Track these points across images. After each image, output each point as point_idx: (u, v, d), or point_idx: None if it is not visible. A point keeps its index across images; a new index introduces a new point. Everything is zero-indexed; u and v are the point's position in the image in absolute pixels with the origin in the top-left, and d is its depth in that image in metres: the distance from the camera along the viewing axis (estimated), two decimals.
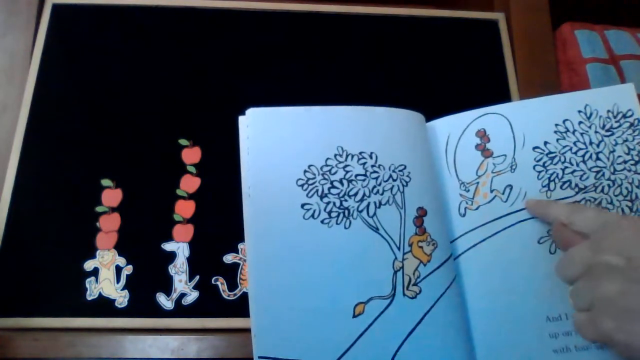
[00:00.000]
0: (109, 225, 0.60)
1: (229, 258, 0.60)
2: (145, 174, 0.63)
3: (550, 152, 0.54)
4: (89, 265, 0.58)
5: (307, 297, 0.48)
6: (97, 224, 0.60)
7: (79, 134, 0.64)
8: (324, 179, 0.51)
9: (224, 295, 0.58)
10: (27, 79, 0.65)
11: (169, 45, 0.69)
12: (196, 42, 0.70)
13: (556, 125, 0.55)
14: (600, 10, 0.86)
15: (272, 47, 0.71)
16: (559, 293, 0.49)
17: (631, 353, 0.38)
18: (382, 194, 0.51)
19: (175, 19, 0.70)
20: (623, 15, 0.90)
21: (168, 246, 0.60)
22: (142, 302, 0.58)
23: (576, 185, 0.53)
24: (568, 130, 0.55)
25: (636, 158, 0.54)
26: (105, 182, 0.62)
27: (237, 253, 0.60)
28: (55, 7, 0.69)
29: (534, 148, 0.55)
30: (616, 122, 0.55)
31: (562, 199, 0.53)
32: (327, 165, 0.51)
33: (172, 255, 0.59)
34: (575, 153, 0.54)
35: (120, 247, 0.59)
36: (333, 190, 0.51)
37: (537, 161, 0.54)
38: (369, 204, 0.51)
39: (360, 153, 0.52)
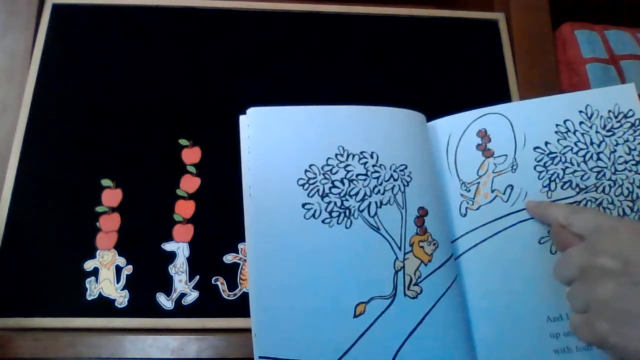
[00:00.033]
0: (109, 225, 0.60)
1: (229, 258, 0.60)
2: (145, 174, 0.63)
3: (551, 152, 0.54)
4: (89, 265, 0.58)
5: (308, 297, 0.48)
6: (97, 224, 0.60)
7: (79, 134, 0.64)
8: (325, 178, 0.51)
9: (224, 295, 0.58)
10: (27, 79, 0.65)
11: (169, 45, 0.69)
12: (196, 42, 0.70)
13: (557, 125, 0.55)
14: (600, 10, 0.86)
15: (272, 47, 0.71)
16: (560, 293, 0.49)
17: (626, 356, 0.38)
18: (383, 194, 0.51)
19: (175, 19, 0.70)
20: (623, 15, 0.90)
21: (168, 246, 0.60)
22: (142, 302, 0.57)
23: (577, 185, 0.53)
24: (569, 131, 0.55)
25: (637, 158, 0.54)
26: (105, 182, 0.62)
27: (237, 253, 0.60)
28: (55, 7, 0.69)
29: (535, 148, 0.55)
30: (617, 122, 0.55)
31: (563, 199, 0.53)
32: (328, 165, 0.51)
33: (172, 255, 0.59)
34: (576, 153, 0.54)
35: (120, 247, 0.59)
36: (334, 190, 0.51)
37: (538, 161, 0.54)
38: (370, 203, 0.51)
39: (361, 153, 0.52)
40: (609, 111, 0.55)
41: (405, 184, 0.52)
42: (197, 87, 0.67)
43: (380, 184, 0.52)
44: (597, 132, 0.55)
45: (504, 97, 0.70)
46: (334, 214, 0.50)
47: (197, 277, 0.59)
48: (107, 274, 0.58)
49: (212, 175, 0.63)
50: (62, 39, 0.68)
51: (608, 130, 0.55)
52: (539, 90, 0.69)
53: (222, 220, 0.61)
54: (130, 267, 0.59)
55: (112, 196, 0.61)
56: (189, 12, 0.71)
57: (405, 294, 0.49)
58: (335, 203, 0.50)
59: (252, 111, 0.52)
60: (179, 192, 0.62)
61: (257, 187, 0.50)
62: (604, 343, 0.39)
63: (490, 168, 0.55)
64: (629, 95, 0.55)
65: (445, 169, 0.56)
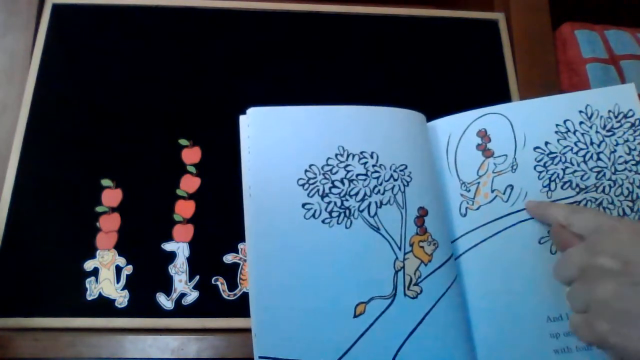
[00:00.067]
0: (109, 225, 0.60)
1: (229, 258, 0.60)
2: (145, 174, 0.63)
3: (551, 152, 0.54)
4: (89, 265, 0.58)
5: (308, 297, 0.48)
6: (97, 224, 0.60)
7: (79, 134, 0.64)
8: (325, 178, 0.51)
9: (224, 295, 0.58)
10: (27, 79, 0.65)
11: (169, 45, 0.69)
12: (196, 42, 0.70)
13: (557, 125, 0.55)
14: (600, 10, 0.86)
15: (272, 47, 0.71)
16: (560, 293, 0.49)
17: (626, 356, 0.38)
18: (383, 194, 0.51)
19: (175, 19, 0.70)
20: (623, 15, 0.90)
21: (168, 246, 0.60)
22: (142, 302, 0.57)
23: (577, 185, 0.53)
24: (569, 131, 0.55)
25: (637, 158, 0.54)
26: (105, 182, 0.62)
27: (237, 253, 0.60)
28: (55, 7, 0.69)
29: (535, 148, 0.55)
30: (617, 122, 0.55)
31: (563, 199, 0.53)
32: (328, 165, 0.51)
33: (172, 255, 0.59)
34: (576, 153, 0.54)
35: (120, 247, 0.59)
36: (334, 190, 0.51)
37: (538, 161, 0.54)
38: (370, 203, 0.51)
39: (361, 153, 0.52)
40: (609, 111, 0.55)
41: (405, 184, 0.52)
42: (197, 87, 0.67)
43: (380, 184, 0.52)
44: (597, 132, 0.55)
45: (504, 97, 0.70)
46: (334, 214, 0.50)
47: (197, 277, 0.59)
48: (107, 274, 0.58)
49: (212, 175, 0.63)
50: (62, 39, 0.68)
51: (608, 130, 0.55)
52: (539, 90, 0.69)
53: (222, 220, 0.61)
54: (130, 267, 0.59)
55: (112, 196, 0.61)
56: (189, 12, 0.71)
57: (405, 294, 0.49)
58: (335, 203, 0.50)
59: (252, 111, 0.52)
60: (179, 192, 0.62)
61: (257, 187, 0.50)
62: (604, 343, 0.39)
63: (490, 168, 0.55)
64: (629, 95, 0.55)
65: (445, 169, 0.56)
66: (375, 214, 0.51)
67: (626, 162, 0.54)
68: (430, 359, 0.47)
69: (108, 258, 0.59)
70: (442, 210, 0.54)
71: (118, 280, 0.58)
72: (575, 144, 0.54)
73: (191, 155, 0.64)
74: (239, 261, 0.60)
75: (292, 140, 0.52)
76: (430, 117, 0.57)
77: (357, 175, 0.51)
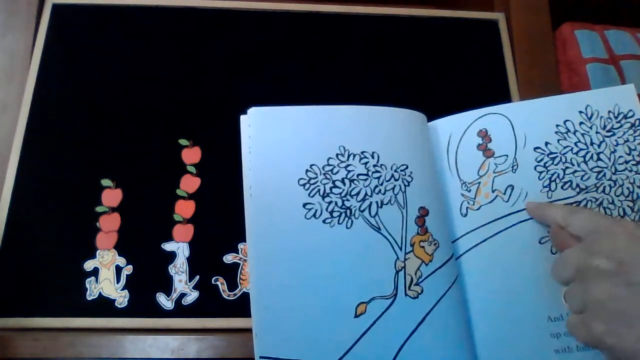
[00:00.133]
0: (109, 225, 0.60)
1: (229, 258, 0.60)
2: (145, 174, 0.63)
3: (552, 153, 0.54)
4: (89, 265, 0.58)
5: (309, 297, 0.47)
6: (97, 224, 0.60)
7: (79, 134, 0.64)
8: (326, 178, 0.51)
9: (224, 295, 0.58)
10: (27, 79, 0.65)
11: (169, 45, 0.69)
12: (196, 42, 0.70)
13: (557, 125, 0.55)
14: (600, 10, 0.86)
15: (272, 47, 0.71)
16: (560, 293, 0.49)
17: (623, 357, 0.38)
18: (384, 194, 0.51)
19: (175, 19, 0.70)
20: (623, 15, 0.91)
21: (168, 246, 0.60)
22: (142, 302, 0.57)
23: (577, 185, 0.53)
24: (569, 131, 0.55)
25: (637, 158, 0.54)
26: (105, 182, 0.62)
27: (237, 253, 0.60)
28: (55, 7, 0.69)
29: (535, 148, 0.55)
30: (617, 122, 0.55)
31: (563, 199, 0.53)
32: (329, 165, 0.51)
33: (172, 255, 0.59)
34: (577, 153, 0.54)
35: (120, 247, 0.59)
36: (335, 190, 0.51)
37: (538, 161, 0.54)
38: (370, 203, 0.51)
39: (362, 152, 0.52)
40: (609, 111, 0.55)
41: (406, 183, 0.52)
42: (197, 87, 0.67)
43: (381, 184, 0.52)
44: (597, 132, 0.55)
45: (504, 97, 0.70)
46: (335, 214, 0.50)
47: (197, 277, 0.59)
48: (107, 274, 0.58)
49: (212, 175, 0.63)
50: (62, 39, 0.68)
51: (608, 131, 0.55)
52: (539, 90, 0.69)
53: (222, 220, 0.61)
54: (130, 267, 0.59)
55: (112, 196, 0.61)
56: (189, 12, 0.71)
57: (406, 294, 0.49)
58: (336, 203, 0.50)
59: (253, 111, 0.52)
60: (179, 192, 0.62)
61: (258, 187, 0.50)
62: (600, 344, 0.39)
63: (491, 168, 0.55)
64: (629, 96, 0.55)
65: (446, 168, 0.56)
66: (376, 214, 0.51)
67: (626, 162, 0.54)
68: (431, 359, 0.47)
69: (108, 258, 0.59)
70: (443, 210, 0.54)
71: (118, 280, 0.58)
72: (576, 144, 0.54)
73: (191, 155, 0.64)
74: (239, 261, 0.60)
75: (293, 140, 0.52)
76: (431, 117, 0.57)
77: (358, 175, 0.51)
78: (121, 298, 0.57)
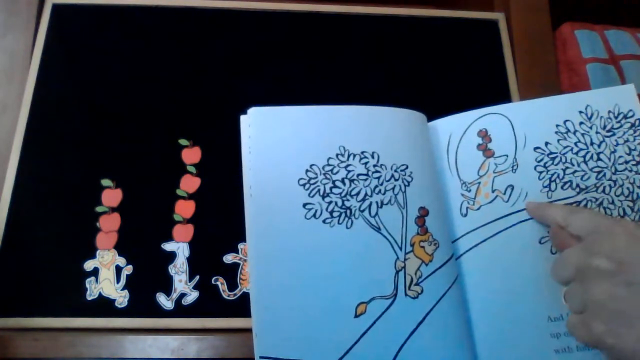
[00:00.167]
0: (109, 225, 0.60)
1: (229, 258, 0.60)
2: (145, 174, 0.63)
3: (552, 153, 0.54)
4: (89, 265, 0.58)
5: (309, 297, 0.47)
6: (97, 224, 0.60)
7: (79, 134, 0.64)
8: (326, 178, 0.51)
9: (224, 295, 0.58)
10: (27, 79, 0.65)
11: (169, 45, 0.69)
12: (196, 42, 0.70)
13: (557, 125, 0.55)
14: (600, 10, 0.86)
15: (272, 47, 0.71)
16: (560, 293, 0.49)
17: (623, 357, 0.38)
18: (384, 194, 0.51)
19: (175, 19, 0.70)
20: (623, 15, 0.91)
21: (168, 246, 0.60)
22: (142, 302, 0.57)
23: (577, 185, 0.53)
24: (569, 131, 0.55)
25: (637, 158, 0.54)
26: (105, 182, 0.62)
27: (237, 253, 0.60)
28: (55, 7, 0.69)
29: (535, 148, 0.55)
30: (617, 122, 0.55)
31: (564, 199, 0.53)
32: (329, 165, 0.51)
33: (172, 255, 0.59)
34: (576, 153, 0.54)
35: (120, 247, 0.59)
36: (335, 190, 0.51)
37: (538, 161, 0.54)
38: (370, 203, 0.51)
39: (362, 152, 0.52)
40: (609, 111, 0.55)
41: (406, 183, 0.52)
42: (197, 87, 0.67)
43: (381, 184, 0.52)
44: (597, 132, 0.55)
45: (504, 97, 0.70)
46: (335, 214, 0.50)
47: (197, 277, 0.59)
48: (107, 274, 0.58)
49: (212, 175, 0.63)
50: (62, 39, 0.68)
51: (608, 131, 0.55)
52: (539, 90, 0.69)
53: (222, 220, 0.61)
54: (130, 267, 0.59)
55: (112, 196, 0.61)
56: (189, 12, 0.71)
57: (406, 294, 0.49)
58: (336, 203, 0.50)
59: (253, 111, 0.52)
60: (179, 192, 0.62)
61: (258, 187, 0.50)
62: (600, 344, 0.39)
63: (491, 168, 0.55)
64: (629, 96, 0.55)
65: (446, 168, 0.56)
66: (376, 214, 0.51)
67: (626, 162, 0.54)
68: (431, 359, 0.47)
69: (108, 258, 0.59)
70: (443, 210, 0.54)
71: (118, 280, 0.58)
72: (576, 144, 0.54)
73: (191, 155, 0.64)
74: (239, 261, 0.60)
75: (293, 140, 0.52)
76: (431, 117, 0.57)
77: (358, 175, 0.51)
78: (121, 298, 0.57)
